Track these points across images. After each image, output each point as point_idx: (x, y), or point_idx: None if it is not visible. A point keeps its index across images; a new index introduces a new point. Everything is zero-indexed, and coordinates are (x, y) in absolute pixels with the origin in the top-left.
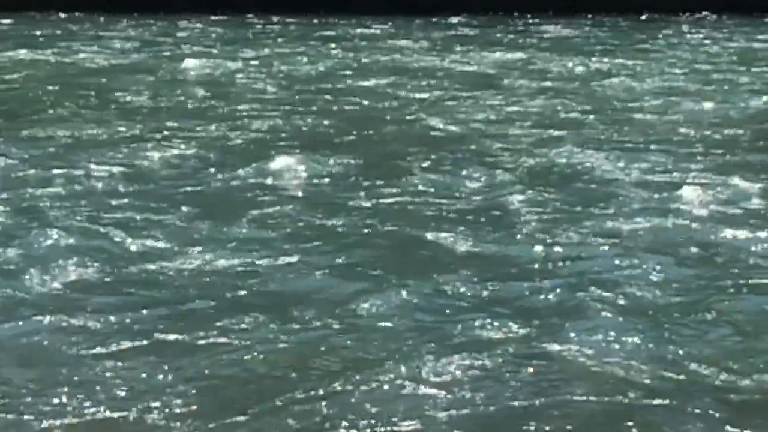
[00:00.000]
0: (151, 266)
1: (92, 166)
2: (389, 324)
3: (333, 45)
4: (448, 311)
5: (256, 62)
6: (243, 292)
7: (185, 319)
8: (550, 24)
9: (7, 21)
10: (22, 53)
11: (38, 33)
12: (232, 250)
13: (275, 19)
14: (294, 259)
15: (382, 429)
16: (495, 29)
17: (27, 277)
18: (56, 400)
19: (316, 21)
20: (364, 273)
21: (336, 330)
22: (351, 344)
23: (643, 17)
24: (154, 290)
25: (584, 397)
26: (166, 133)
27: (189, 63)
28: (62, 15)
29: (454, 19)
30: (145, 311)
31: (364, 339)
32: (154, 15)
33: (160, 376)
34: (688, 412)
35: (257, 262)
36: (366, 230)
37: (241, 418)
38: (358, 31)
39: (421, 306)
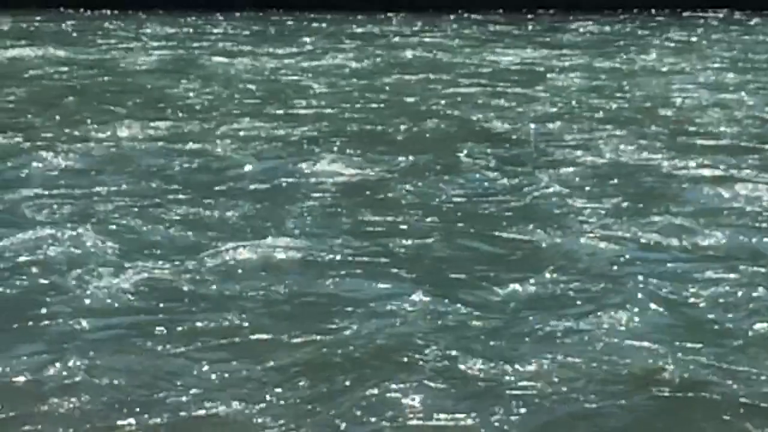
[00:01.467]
0: (206, 259)
1: (147, 164)
2: (455, 319)
3: (363, 42)
4: (503, 307)
5: (296, 59)
6: (295, 288)
7: (248, 313)
8: (579, 21)
9: (37, 18)
10: (60, 51)
11: (72, 31)
12: (285, 247)
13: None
14: (349, 255)
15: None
16: (523, 26)
17: (88, 273)
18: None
19: (329, 18)
20: (423, 270)
21: (399, 326)
22: (407, 342)
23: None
24: (208, 283)
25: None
26: (215, 130)
27: (229, 60)
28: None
29: (480, 16)
30: (203, 303)
31: (425, 336)
32: (184, 12)
33: (215, 372)
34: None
35: (315, 260)
36: (425, 227)
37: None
38: (387, 28)
39: (476, 303)
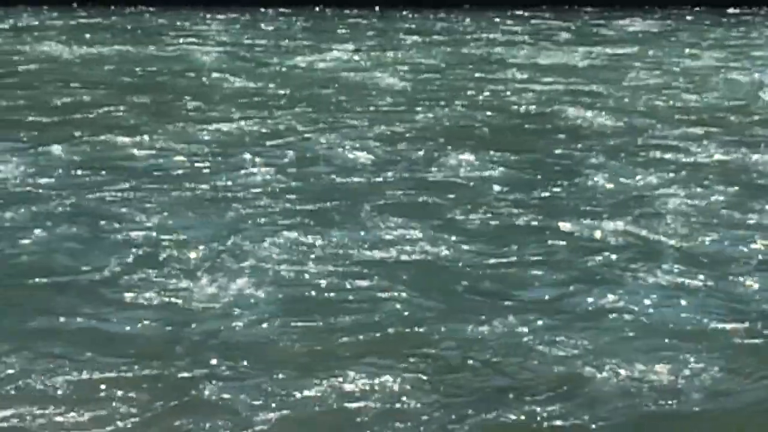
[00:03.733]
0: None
1: (239, 162)
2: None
3: (421, 38)
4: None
5: (357, 55)
6: (400, 287)
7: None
8: (627, 18)
9: (83, 13)
10: (122, 48)
11: (129, 27)
12: (388, 245)
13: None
14: (456, 252)
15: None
16: (569, 22)
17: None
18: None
19: (378, 14)
20: (533, 268)
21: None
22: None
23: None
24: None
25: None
26: (298, 127)
27: (290, 56)
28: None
29: (526, 12)
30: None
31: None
32: (228, 8)
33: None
34: None
35: (418, 258)
36: (533, 224)
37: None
38: (444, 25)
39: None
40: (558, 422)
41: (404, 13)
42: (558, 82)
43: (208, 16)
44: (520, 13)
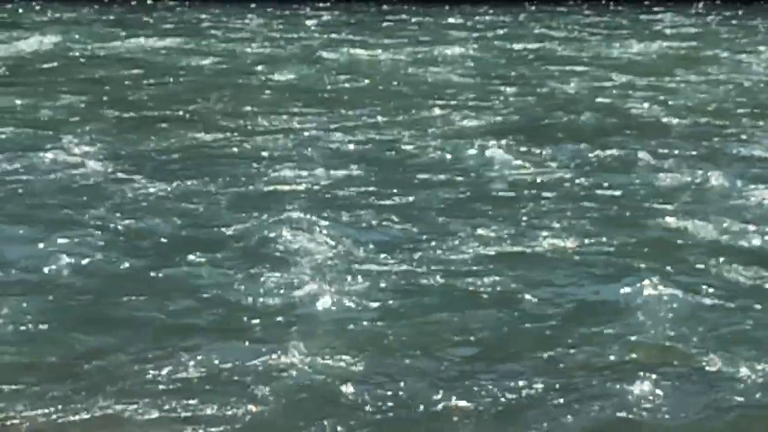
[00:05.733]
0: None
1: (309, 156)
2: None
3: (471, 33)
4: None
5: (410, 50)
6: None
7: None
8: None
9: (119, 10)
10: (169, 42)
11: (171, 22)
12: (456, 246)
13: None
14: (523, 247)
15: None
16: (608, 16)
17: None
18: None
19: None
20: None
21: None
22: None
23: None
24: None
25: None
26: (366, 122)
27: (343, 51)
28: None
29: (563, 8)
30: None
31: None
32: (267, 3)
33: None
34: None
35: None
36: (596, 219)
37: None
38: (485, 19)
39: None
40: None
41: (446, 7)
42: (617, 77)
43: (248, 11)
44: (562, 9)
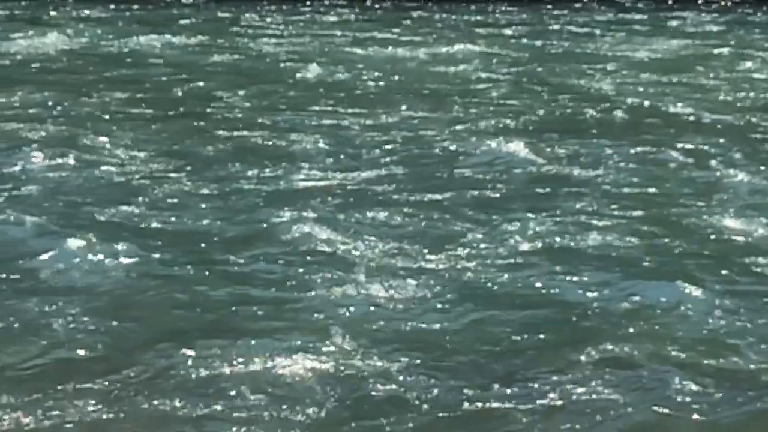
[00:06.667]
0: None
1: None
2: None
3: (499, 30)
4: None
5: (440, 47)
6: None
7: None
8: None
9: (138, 7)
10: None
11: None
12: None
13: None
14: (580, 245)
15: None
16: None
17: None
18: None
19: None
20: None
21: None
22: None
23: None
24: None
25: None
26: (406, 119)
27: (373, 48)
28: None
29: (578, 3)
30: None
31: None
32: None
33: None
34: None
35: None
36: (638, 217)
37: None
38: (508, 17)
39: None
40: None
41: (463, 4)
42: (644, 74)
43: (264, 9)
44: (577, 5)
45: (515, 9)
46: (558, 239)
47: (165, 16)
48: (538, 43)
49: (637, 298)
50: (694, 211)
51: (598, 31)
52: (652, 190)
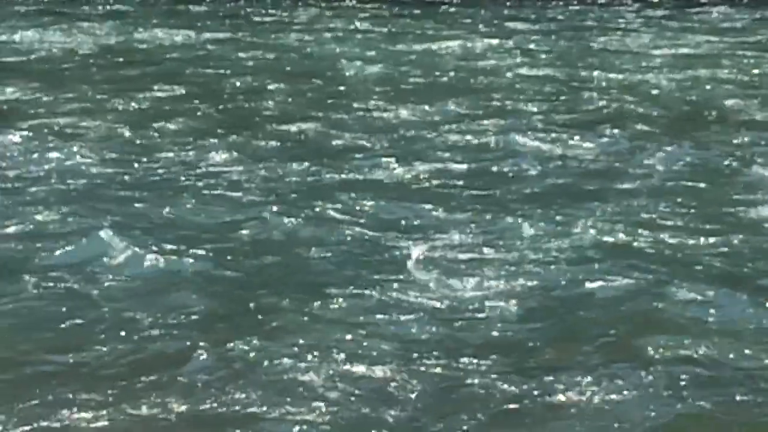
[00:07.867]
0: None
1: (406, 150)
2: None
3: (534, 26)
4: None
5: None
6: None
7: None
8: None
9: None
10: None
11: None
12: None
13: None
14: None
15: None
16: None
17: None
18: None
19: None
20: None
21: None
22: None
23: None
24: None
25: None
26: (453, 114)
27: (418, 45)
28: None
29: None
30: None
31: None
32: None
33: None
34: None
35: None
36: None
37: None
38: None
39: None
40: None
41: (508, 3)
42: (684, 70)
43: (293, 3)
44: (601, 0)
45: (543, 3)
46: (608, 238)
47: (196, 11)
48: (571, 38)
49: (692, 299)
50: (748, 209)
51: (630, 27)
52: (702, 185)
